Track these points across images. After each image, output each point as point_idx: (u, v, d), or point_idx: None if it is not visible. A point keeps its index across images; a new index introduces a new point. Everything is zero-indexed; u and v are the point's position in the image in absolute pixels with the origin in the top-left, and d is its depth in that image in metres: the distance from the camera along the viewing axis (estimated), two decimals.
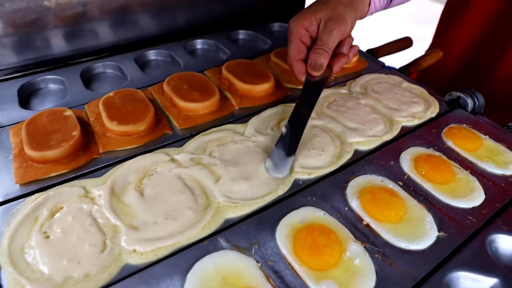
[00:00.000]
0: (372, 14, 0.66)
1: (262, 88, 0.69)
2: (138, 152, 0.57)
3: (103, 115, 0.60)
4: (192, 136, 0.61)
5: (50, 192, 0.50)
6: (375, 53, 0.91)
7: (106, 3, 0.80)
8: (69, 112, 0.61)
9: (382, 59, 0.89)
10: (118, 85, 0.75)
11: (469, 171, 0.58)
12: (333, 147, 0.59)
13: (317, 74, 0.57)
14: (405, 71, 0.85)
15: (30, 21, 0.73)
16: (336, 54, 0.59)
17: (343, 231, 0.47)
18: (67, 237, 0.44)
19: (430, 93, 0.76)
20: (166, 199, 0.49)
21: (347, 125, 0.64)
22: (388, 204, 0.50)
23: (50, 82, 0.75)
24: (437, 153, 0.60)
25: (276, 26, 1.03)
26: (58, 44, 0.80)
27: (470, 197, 0.54)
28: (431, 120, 0.69)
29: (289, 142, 0.55)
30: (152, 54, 0.86)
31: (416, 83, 0.79)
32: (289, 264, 0.43)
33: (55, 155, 0.54)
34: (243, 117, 0.66)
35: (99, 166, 0.55)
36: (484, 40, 0.93)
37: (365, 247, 0.45)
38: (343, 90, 0.74)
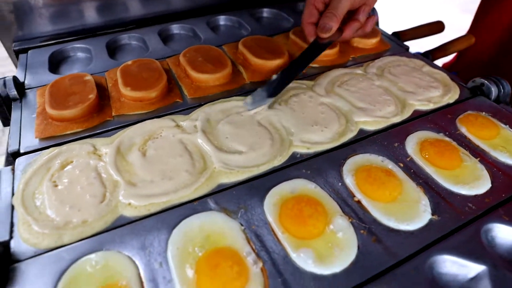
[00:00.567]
0: None
1: (275, 64, 0.70)
2: (148, 117, 0.60)
3: (119, 81, 0.64)
4: (200, 105, 0.63)
5: (64, 147, 0.54)
6: (400, 37, 0.87)
7: None
8: (89, 77, 0.65)
9: (414, 44, 0.86)
10: (140, 55, 0.78)
11: (478, 159, 0.56)
12: (338, 124, 0.59)
13: (325, 36, 0.63)
14: (430, 56, 0.81)
15: None
16: (350, 19, 0.64)
17: (331, 205, 0.47)
18: (72, 187, 0.48)
19: (452, 79, 0.72)
20: (166, 160, 0.52)
21: (356, 105, 0.63)
22: (383, 183, 0.50)
23: (79, 51, 0.80)
24: (447, 139, 0.58)
25: (301, 5, 1.02)
26: (89, 15, 0.84)
27: (474, 184, 0.52)
28: (448, 106, 0.67)
29: (274, 86, 0.61)
30: (175, 28, 0.88)
31: (439, 68, 0.75)
32: (272, 231, 0.44)
33: (71, 114, 0.58)
34: (253, 91, 0.66)
35: (110, 128, 0.59)
36: None
37: (351, 222, 0.46)
38: (359, 71, 0.73)
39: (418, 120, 0.63)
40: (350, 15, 0.64)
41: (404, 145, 0.57)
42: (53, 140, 0.56)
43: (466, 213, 0.48)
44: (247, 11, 0.94)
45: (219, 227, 0.44)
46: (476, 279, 0.43)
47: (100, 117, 0.60)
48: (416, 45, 0.90)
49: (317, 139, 0.56)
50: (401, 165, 0.54)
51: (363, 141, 0.58)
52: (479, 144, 0.58)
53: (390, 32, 0.89)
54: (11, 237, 0.43)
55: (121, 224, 0.45)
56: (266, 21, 0.96)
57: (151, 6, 0.90)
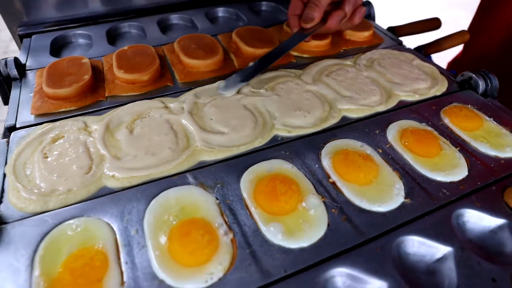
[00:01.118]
0: None
1: (265, 52, 0.72)
2: (139, 99, 0.62)
3: (114, 64, 0.66)
4: (190, 89, 0.65)
5: (57, 123, 0.57)
6: (396, 32, 0.88)
7: None
8: (85, 60, 0.68)
9: (410, 40, 0.87)
10: (138, 43, 0.80)
11: (458, 148, 0.56)
12: (321, 111, 0.60)
13: (308, 26, 0.65)
14: (422, 51, 0.82)
15: None
16: (334, 10, 0.66)
17: (306, 184, 0.49)
18: (60, 159, 0.51)
19: (442, 73, 0.73)
20: (151, 137, 0.54)
21: (341, 93, 0.64)
22: (358, 167, 0.51)
23: (80, 37, 0.84)
24: (429, 128, 0.59)
25: None
26: (92, 3, 0.88)
27: (450, 172, 0.52)
28: (434, 98, 0.67)
29: (249, 72, 0.63)
30: (174, 19, 0.91)
31: (429, 62, 0.76)
32: (246, 206, 0.46)
33: (66, 93, 0.61)
34: None
35: (102, 107, 0.61)
36: None
37: (324, 202, 0.47)
38: (348, 62, 0.74)
39: (403, 110, 0.64)
40: (337, 6, 0.66)
41: (385, 133, 0.58)
42: (47, 117, 0.59)
43: (439, 198, 0.49)
44: (246, 4, 0.96)
45: (195, 199, 0.46)
46: (442, 259, 0.44)
47: (94, 97, 0.62)
48: (413, 41, 0.91)
49: (299, 123, 0.58)
50: (380, 151, 0.55)
51: (345, 127, 0.59)
52: (460, 135, 0.59)
53: (386, 27, 0.90)
54: (0, 202, 0.46)
55: (103, 194, 0.47)
56: (263, 14, 0.98)
57: None
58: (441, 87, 0.69)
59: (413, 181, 0.51)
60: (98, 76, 0.67)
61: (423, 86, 0.68)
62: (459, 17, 3.27)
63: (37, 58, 0.74)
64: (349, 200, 0.48)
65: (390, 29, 0.89)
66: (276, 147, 0.55)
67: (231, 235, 0.43)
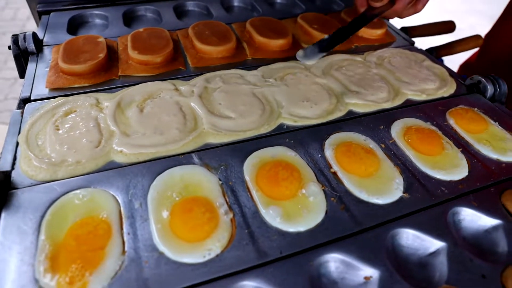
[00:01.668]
0: None
1: (278, 43, 0.73)
2: (151, 80, 0.64)
3: (129, 45, 0.68)
4: (201, 74, 0.66)
5: (70, 98, 0.59)
6: (409, 32, 0.89)
7: None
8: (101, 39, 0.69)
9: (423, 42, 0.87)
10: (152, 27, 0.82)
11: (461, 149, 0.57)
12: (328, 103, 0.61)
13: (377, 5, 0.65)
14: (434, 52, 0.82)
15: None
16: None
17: (307, 172, 0.50)
18: (71, 132, 0.53)
19: (451, 75, 0.74)
20: (160, 117, 0.55)
21: (349, 88, 0.65)
22: (360, 159, 0.52)
23: (97, 17, 0.85)
24: (433, 128, 0.60)
25: None
26: None
27: (450, 171, 0.53)
28: (441, 99, 0.68)
29: (326, 43, 0.63)
30: (190, 5, 0.92)
31: (440, 64, 0.76)
32: (248, 188, 0.48)
33: (80, 69, 0.62)
34: (253, 66, 0.70)
35: (115, 86, 0.63)
36: None
37: (324, 190, 0.48)
38: (358, 58, 0.75)
39: (409, 108, 0.64)
40: None
41: (389, 129, 0.59)
42: (61, 92, 0.61)
43: (437, 195, 0.50)
44: None
45: (199, 179, 0.47)
46: (434, 254, 0.45)
47: (107, 75, 0.64)
48: (427, 43, 0.91)
49: (305, 113, 0.59)
50: (383, 146, 0.56)
51: (350, 121, 0.60)
52: (464, 136, 0.60)
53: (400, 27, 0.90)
54: (12, 168, 0.48)
55: (110, 168, 0.49)
56: (278, 6, 0.98)
57: None
58: (449, 89, 0.69)
59: (413, 177, 0.52)
60: (112, 55, 0.69)
61: (431, 87, 0.69)
62: (476, 24, 3.24)
63: (54, 34, 0.76)
64: (349, 191, 0.49)
65: (404, 29, 0.89)
66: (281, 135, 0.56)
67: (231, 215, 0.44)
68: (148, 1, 0.90)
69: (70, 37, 0.75)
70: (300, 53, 0.64)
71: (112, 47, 0.71)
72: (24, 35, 0.68)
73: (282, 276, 0.39)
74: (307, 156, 0.53)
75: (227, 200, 0.46)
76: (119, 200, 0.45)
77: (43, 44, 0.72)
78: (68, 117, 0.55)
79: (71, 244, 0.40)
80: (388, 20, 0.92)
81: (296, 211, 0.45)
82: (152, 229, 0.42)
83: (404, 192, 0.50)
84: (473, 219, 0.49)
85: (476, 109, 0.66)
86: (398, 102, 0.65)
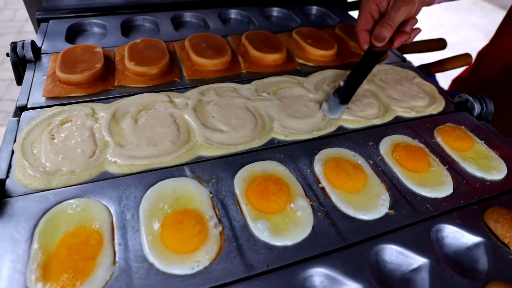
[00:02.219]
0: (439, 3, 0.71)
1: (272, 58, 0.74)
2: (146, 91, 0.65)
3: (125, 55, 0.69)
4: (196, 87, 0.68)
5: (66, 107, 0.60)
6: (401, 49, 0.91)
7: None
8: (99, 49, 0.71)
9: (415, 58, 0.89)
10: (150, 37, 0.83)
11: (447, 167, 0.59)
12: (319, 118, 0.63)
13: (379, 44, 0.65)
14: (425, 69, 0.84)
15: None
16: (399, 31, 0.66)
17: (296, 187, 0.51)
18: (67, 141, 0.54)
19: (440, 93, 0.76)
20: (154, 129, 0.57)
21: None
22: (348, 175, 0.53)
23: (95, 26, 0.87)
24: (421, 145, 0.62)
25: (313, 9, 1.06)
26: None
27: (436, 188, 0.55)
28: (430, 116, 0.70)
29: (344, 93, 0.64)
30: (188, 16, 0.94)
31: (430, 81, 0.78)
32: (237, 202, 0.49)
33: (77, 79, 0.64)
34: (248, 80, 0.71)
35: (111, 96, 0.64)
36: None
37: (311, 205, 0.50)
38: None
39: (398, 125, 0.66)
40: (399, 27, 0.66)
41: (378, 145, 0.61)
42: (57, 100, 0.62)
43: (422, 212, 0.51)
44: (258, 8, 0.99)
45: (190, 191, 0.49)
46: (417, 270, 0.46)
47: (103, 85, 0.65)
48: (418, 60, 0.93)
49: (296, 128, 0.60)
50: (371, 162, 0.58)
51: (340, 136, 0.62)
52: (450, 154, 0.61)
53: None
54: (7, 176, 0.49)
55: (104, 178, 0.50)
56: (274, 19, 1.01)
57: None
58: (438, 107, 0.71)
59: (399, 193, 0.54)
60: (109, 65, 0.70)
61: (420, 104, 0.71)
62: (472, 38, 3.29)
63: (53, 42, 0.77)
64: (336, 206, 0.50)
65: None
66: (272, 149, 0.57)
67: (220, 228, 0.45)
68: (146, 12, 0.92)
69: (68, 45, 0.76)
70: (324, 107, 0.65)
71: (109, 57, 0.72)
72: (23, 43, 0.69)
73: None
74: (296, 171, 0.54)
75: (217, 213, 0.47)
76: (112, 211, 0.46)
77: (41, 52, 0.73)
78: (64, 126, 0.56)
79: (63, 254, 0.41)
80: None
81: (284, 225, 0.46)
82: (143, 240, 0.43)
83: (389, 209, 0.51)
84: (456, 236, 0.50)
85: (463, 127, 0.67)
86: (387, 118, 0.66)
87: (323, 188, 0.52)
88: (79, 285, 0.38)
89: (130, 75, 0.68)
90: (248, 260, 0.43)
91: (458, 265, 0.47)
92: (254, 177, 0.51)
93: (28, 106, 0.60)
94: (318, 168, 0.55)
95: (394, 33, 0.66)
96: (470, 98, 0.71)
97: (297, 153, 0.57)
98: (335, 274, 0.43)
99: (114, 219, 0.45)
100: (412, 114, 0.69)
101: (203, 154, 0.55)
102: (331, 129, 0.62)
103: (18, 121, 0.57)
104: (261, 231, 0.45)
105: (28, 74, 0.67)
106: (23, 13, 3.07)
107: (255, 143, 0.57)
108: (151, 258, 0.41)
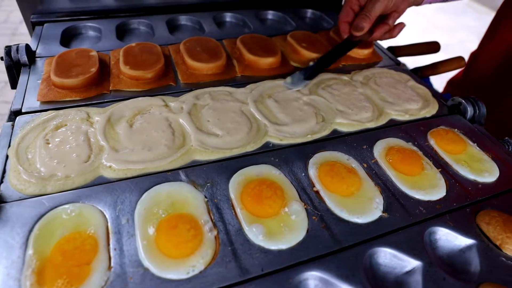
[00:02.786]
0: (431, 3, 0.77)
1: (267, 61, 0.75)
2: (141, 95, 0.65)
3: (120, 59, 0.69)
4: (191, 90, 0.68)
5: (61, 111, 0.60)
6: (395, 52, 0.91)
7: None
8: (93, 53, 0.71)
9: (409, 61, 0.90)
10: (146, 40, 0.83)
11: (440, 170, 0.59)
12: (313, 122, 0.63)
13: (357, 34, 0.73)
14: (419, 72, 0.85)
15: None
16: (380, 23, 0.73)
17: (291, 191, 0.52)
18: (61, 146, 0.54)
19: (434, 95, 0.76)
20: (149, 133, 0.57)
21: (335, 107, 0.67)
22: (342, 178, 0.54)
23: (90, 29, 0.87)
24: (414, 148, 0.62)
25: (308, 12, 1.07)
26: None
27: (429, 191, 0.55)
28: (423, 119, 0.70)
29: (311, 71, 0.72)
30: (183, 19, 0.94)
31: (424, 84, 0.79)
32: (232, 206, 0.49)
33: (72, 83, 0.64)
34: (243, 84, 0.71)
35: (106, 100, 0.64)
36: None
37: (306, 208, 0.50)
38: (345, 77, 0.77)
39: (392, 128, 0.67)
40: (382, 20, 0.74)
41: (372, 148, 0.61)
42: (52, 105, 0.62)
43: (415, 215, 0.52)
44: (253, 12, 0.99)
45: (185, 196, 0.49)
46: (410, 272, 0.47)
47: (98, 89, 0.65)
48: (412, 63, 0.94)
49: (291, 132, 0.61)
50: (365, 165, 0.58)
51: (335, 140, 0.62)
52: (443, 157, 0.62)
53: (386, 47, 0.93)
54: (1, 182, 0.49)
55: (99, 183, 0.50)
56: (269, 23, 1.01)
57: None
58: (432, 110, 0.72)
59: (392, 196, 0.54)
60: (104, 69, 0.70)
61: (414, 107, 0.71)
62: (466, 40, 3.32)
63: (48, 46, 0.77)
64: (330, 209, 0.51)
65: (390, 48, 0.92)
66: (267, 153, 0.57)
67: (215, 232, 0.45)
68: (141, 15, 0.92)
69: (63, 49, 0.76)
70: (288, 80, 0.71)
71: (104, 61, 0.72)
72: (17, 47, 0.69)
73: None
74: (291, 175, 0.54)
75: (212, 217, 0.47)
76: (107, 216, 0.46)
77: (36, 55, 0.73)
78: (58, 131, 0.56)
79: (58, 259, 0.41)
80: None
81: (278, 229, 0.47)
82: (138, 245, 0.43)
83: (383, 212, 0.51)
84: (449, 238, 0.51)
85: (456, 130, 0.68)
86: (381, 122, 0.67)
87: (317, 192, 0.53)
88: None
89: (125, 79, 0.68)
90: (243, 264, 0.43)
91: (451, 267, 0.48)
92: (249, 181, 0.52)
93: (23, 111, 0.60)
94: (312, 171, 0.55)
95: (374, 25, 0.73)
96: (463, 101, 0.72)
97: (292, 157, 0.57)
98: (330, 278, 0.43)
99: (109, 224, 0.45)
100: (406, 117, 0.69)
101: (198, 158, 0.55)
102: (325, 132, 0.63)
103: (13, 125, 0.57)
104: (255, 235, 0.46)
105: (22, 78, 0.67)
106: (17, 14, 3.05)
107: (250, 147, 0.58)
108: (146, 263, 0.42)
